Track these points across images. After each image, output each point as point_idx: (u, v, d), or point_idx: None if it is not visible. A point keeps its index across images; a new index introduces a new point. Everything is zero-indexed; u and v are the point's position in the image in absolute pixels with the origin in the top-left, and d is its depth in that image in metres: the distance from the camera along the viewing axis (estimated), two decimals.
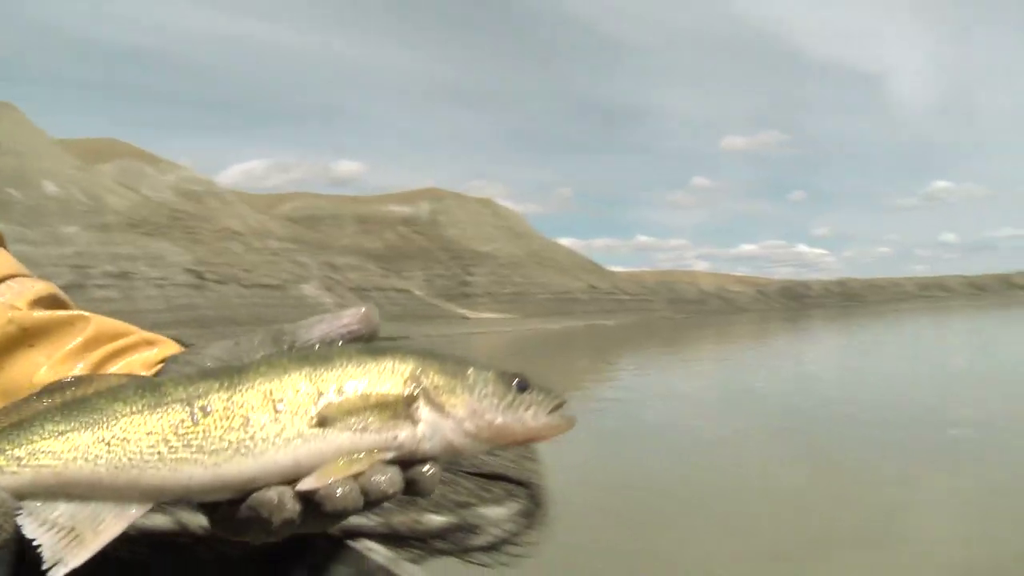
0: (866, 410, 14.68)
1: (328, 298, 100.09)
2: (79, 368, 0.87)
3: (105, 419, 0.70)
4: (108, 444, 0.69)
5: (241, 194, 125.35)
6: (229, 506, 0.71)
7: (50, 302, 0.96)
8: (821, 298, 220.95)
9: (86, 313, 0.93)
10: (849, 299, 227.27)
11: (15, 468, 0.67)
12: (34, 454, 0.68)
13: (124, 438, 0.69)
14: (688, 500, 8.64)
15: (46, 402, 0.71)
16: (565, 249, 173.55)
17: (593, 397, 20.10)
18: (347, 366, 0.74)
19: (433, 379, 0.77)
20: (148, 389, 0.72)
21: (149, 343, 0.93)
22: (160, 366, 0.85)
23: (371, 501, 0.72)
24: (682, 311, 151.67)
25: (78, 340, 0.89)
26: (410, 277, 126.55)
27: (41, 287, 0.96)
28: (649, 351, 43.56)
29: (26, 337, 0.87)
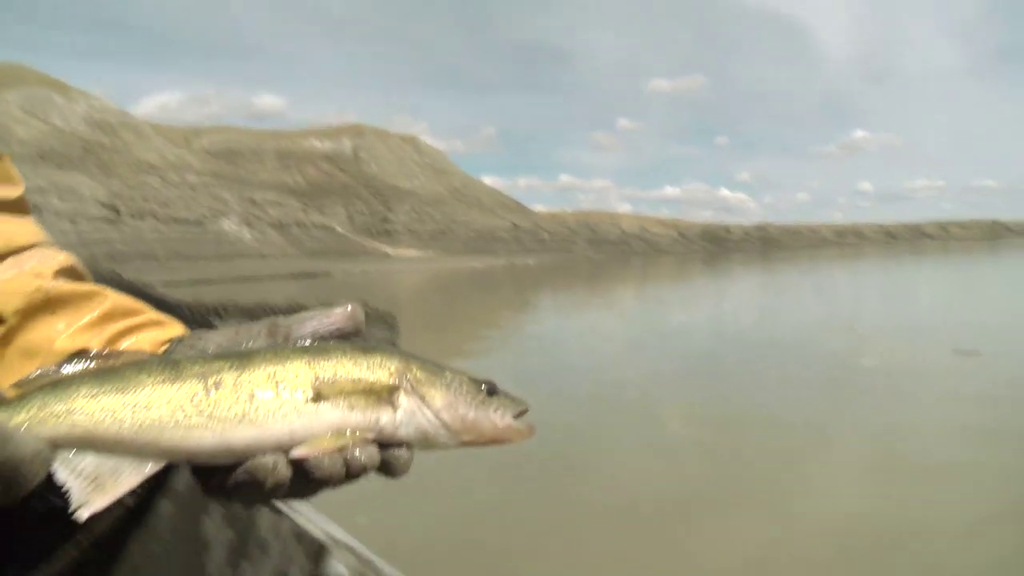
0: (778, 348, 15.13)
1: (248, 233, 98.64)
2: (95, 341, 0.95)
3: (132, 387, 0.80)
4: (133, 408, 0.79)
5: (157, 126, 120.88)
6: (224, 472, 0.80)
7: (70, 273, 1.03)
8: (741, 242, 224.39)
9: (104, 289, 1.01)
10: (768, 244, 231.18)
11: (53, 422, 0.77)
12: (70, 411, 0.78)
13: (147, 405, 0.80)
14: (582, 446, 8.59)
15: (82, 368, 0.82)
16: (487, 188, 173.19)
17: (509, 334, 20.26)
18: (341, 358, 0.86)
19: (416, 373, 0.88)
20: (169, 364, 0.83)
21: (158, 323, 1.00)
22: (166, 346, 0.94)
23: (351, 473, 0.82)
24: (604, 252, 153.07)
25: (95, 313, 0.97)
26: (331, 213, 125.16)
27: (63, 257, 1.04)
28: (569, 290, 44.11)
29: (49, 304, 0.95)
